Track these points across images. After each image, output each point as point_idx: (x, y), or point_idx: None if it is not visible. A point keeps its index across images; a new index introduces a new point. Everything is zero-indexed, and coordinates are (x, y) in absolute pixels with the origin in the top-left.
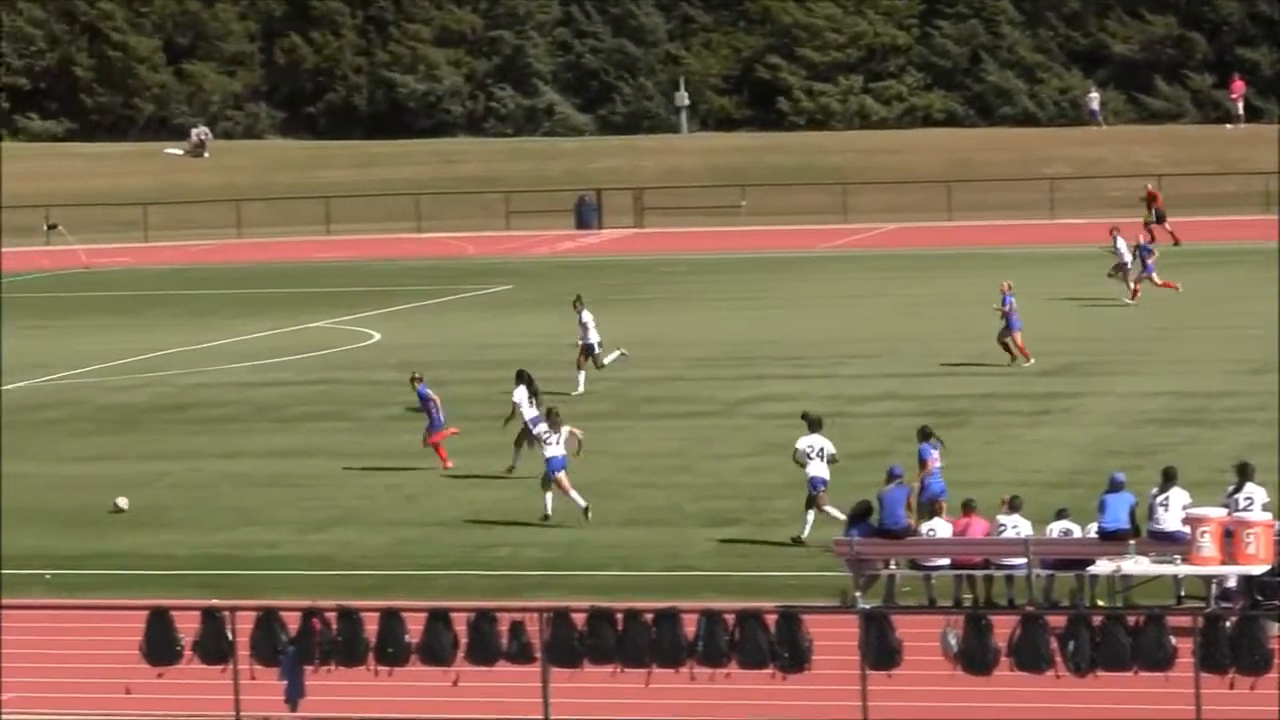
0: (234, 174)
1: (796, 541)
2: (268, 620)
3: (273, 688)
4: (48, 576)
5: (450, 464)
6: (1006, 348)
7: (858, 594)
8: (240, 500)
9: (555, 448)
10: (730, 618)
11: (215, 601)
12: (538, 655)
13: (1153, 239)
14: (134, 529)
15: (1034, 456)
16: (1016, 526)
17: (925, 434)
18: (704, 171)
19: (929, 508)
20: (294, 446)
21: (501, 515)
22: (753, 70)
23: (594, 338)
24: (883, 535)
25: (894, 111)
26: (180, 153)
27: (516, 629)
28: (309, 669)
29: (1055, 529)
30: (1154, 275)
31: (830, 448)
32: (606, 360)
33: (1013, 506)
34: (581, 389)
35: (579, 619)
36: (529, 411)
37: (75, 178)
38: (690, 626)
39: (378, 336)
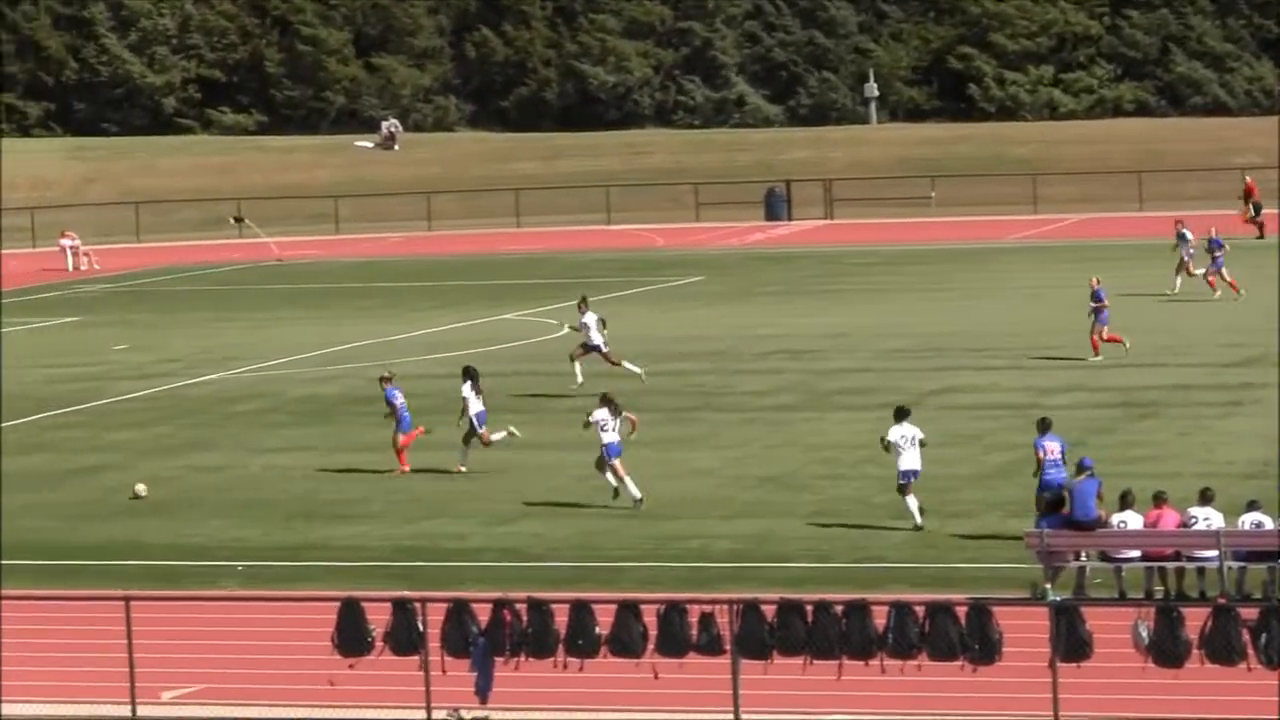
0: (424, 167)
1: (917, 529)
2: (458, 612)
3: (463, 679)
4: (239, 568)
5: (406, 468)
6: (1096, 343)
7: (1048, 586)
8: (430, 492)
9: (612, 434)
10: (920, 610)
11: (406, 593)
12: (727, 647)
13: (1261, 233)
14: (325, 521)
15: (1226, 448)
16: (1208, 518)
17: (1043, 425)
18: (893, 163)
19: (1044, 500)
20: None
21: (691, 507)
22: (942, 61)
23: (596, 339)
24: (1073, 527)
25: (1083, 104)
26: (370, 145)
27: (706, 621)
28: (499, 660)
29: (1247, 521)
30: (1223, 271)
31: (920, 434)
32: (626, 364)
33: (1205, 498)
34: (580, 380)
35: (769, 611)
36: (475, 406)
37: (266, 171)
38: (880, 619)
39: (567, 329)
